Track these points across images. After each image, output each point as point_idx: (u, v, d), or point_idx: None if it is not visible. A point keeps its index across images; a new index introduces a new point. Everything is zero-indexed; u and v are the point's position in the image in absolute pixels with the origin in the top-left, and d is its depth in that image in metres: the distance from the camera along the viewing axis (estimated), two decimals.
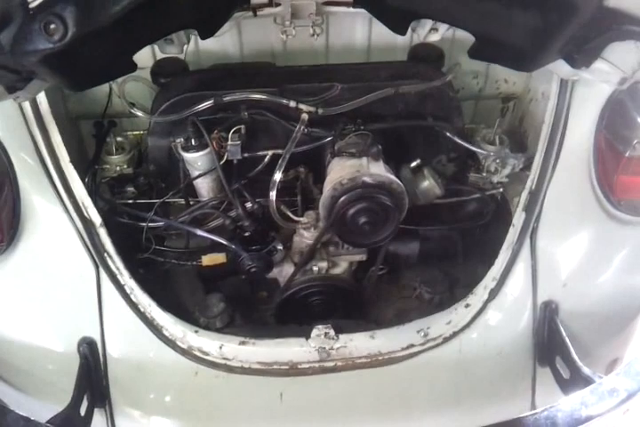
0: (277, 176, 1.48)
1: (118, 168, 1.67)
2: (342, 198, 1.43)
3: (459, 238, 1.75)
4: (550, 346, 1.53)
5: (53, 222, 1.48)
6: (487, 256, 1.66)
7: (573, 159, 1.51)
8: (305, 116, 1.49)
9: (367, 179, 1.42)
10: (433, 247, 1.73)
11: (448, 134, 1.59)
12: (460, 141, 1.60)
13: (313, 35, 1.55)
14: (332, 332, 1.47)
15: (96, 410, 1.46)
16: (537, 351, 1.55)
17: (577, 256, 1.54)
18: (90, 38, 1.03)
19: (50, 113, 1.47)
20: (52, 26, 0.98)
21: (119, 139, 1.70)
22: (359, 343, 1.47)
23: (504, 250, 1.53)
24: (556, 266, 1.54)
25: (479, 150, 1.64)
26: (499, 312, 1.53)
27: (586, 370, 1.40)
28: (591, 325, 1.56)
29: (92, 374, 1.46)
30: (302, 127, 1.49)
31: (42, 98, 1.46)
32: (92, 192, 1.58)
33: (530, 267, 1.53)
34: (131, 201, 1.67)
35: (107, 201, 1.62)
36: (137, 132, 1.81)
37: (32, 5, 1.04)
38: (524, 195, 1.53)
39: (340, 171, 1.46)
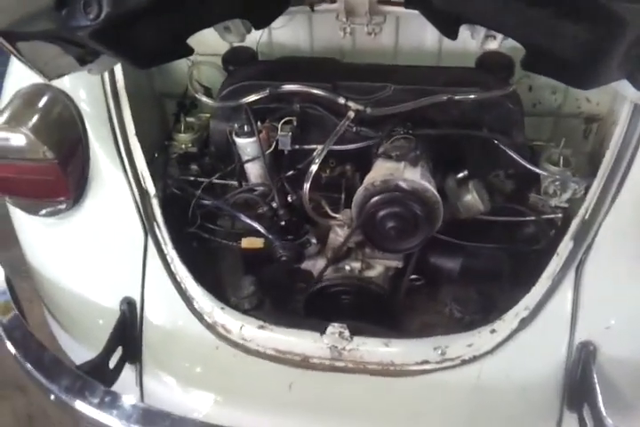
0: (313, 168, 1.49)
1: (184, 146, 1.78)
2: (372, 200, 1.41)
3: (507, 260, 1.64)
4: (581, 391, 1.39)
5: (114, 188, 1.61)
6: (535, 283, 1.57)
7: (638, 192, 1.36)
8: (351, 114, 1.49)
9: (400, 183, 1.39)
10: (477, 265, 1.63)
11: (503, 148, 1.50)
12: (515, 157, 1.49)
13: (370, 33, 1.53)
14: (346, 332, 1.45)
15: (126, 366, 1.58)
16: (567, 394, 1.42)
17: (627, 298, 1.38)
18: (126, 19, 1.12)
19: (124, 89, 1.60)
20: (90, 5, 1.08)
21: (189, 119, 1.81)
22: (372, 349, 1.44)
23: (544, 279, 1.42)
24: (601, 305, 1.39)
25: (536, 169, 1.52)
26: (527, 345, 1.41)
27: (609, 424, 1.26)
28: (630, 376, 1.39)
29: (128, 331, 1.56)
30: (347, 124, 1.48)
31: (119, 74, 1.59)
32: (161, 165, 1.72)
33: (571, 301, 1.40)
34: (192, 178, 1.78)
35: (168, 176, 1.73)
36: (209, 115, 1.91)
37: None
38: (575, 223, 1.40)
39: (376, 172, 1.45)
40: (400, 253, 1.52)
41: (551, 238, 1.60)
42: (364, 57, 1.76)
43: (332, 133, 1.49)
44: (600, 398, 1.32)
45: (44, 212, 1.64)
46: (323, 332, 1.46)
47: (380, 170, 1.44)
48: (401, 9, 1.39)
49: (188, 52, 1.37)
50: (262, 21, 1.36)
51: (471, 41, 1.51)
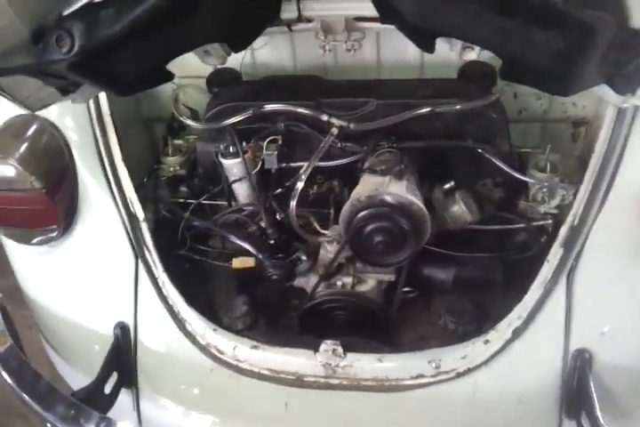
0: (299, 185, 1.50)
1: (172, 169, 1.79)
2: (359, 215, 1.40)
3: (499, 269, 1.63)
4: (579, 399, 1.38)
5: (104, 214, 1.62)
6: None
7: (625, 196, 1.35)
8: (334, 130, 1.50)
9: (386, 198, 1.39)
10: (470, 275, 1.62)
11: (488, 157, 1.49)
12: (500, 165, 1.49)
13: (349, 50, 1.54)
14: (339, 349, 1.44)
15: (123, 391, 1.58)
16: (565, 402, 1.40)
17: (621, 303, 1.37)
18: (100, 50, 1.13)
19: (109, 115, 1.61)
20: (62, 39, 1.09)
21: (177, 141, 1.82)
22: (366, 365, 1.43)
23: (535, 287, 1.41)
24: (594, 311, 1.39)
25: (522, 177, 1.52)
26: (522, 354, 1.40)
27: None
28: (628, 382, 1.38)
29: (122, 356, 1.57)
30: (331, 140, 1.49)
31: (103, 100, 1.61)
32: (151, 189, 1.73)
33: (564, 309, 1.39)
34: (182, 200, 1.79)
35: (157, 198, 1.74)
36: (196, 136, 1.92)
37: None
38: (564, 229, 1.40)
39: (362, 187, 1.45)
40: (389, 266, 1.51)
41: (543, 245, 1.59)
42: (346, 73, 1.77)
43: (317, 150, 1.49)
44: (597, 405, 1.30)
45: (35, 241, 1.65)
46: (316, 349, 1.45)
47: (366, 185, 1.44)
48: (378, 24, 1.40)
49: (169, 77, 1.38)
50: (240, 44, 1.37)
51: (451, 52, 1.52)
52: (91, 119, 1.62)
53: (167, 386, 1.59)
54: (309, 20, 1.43)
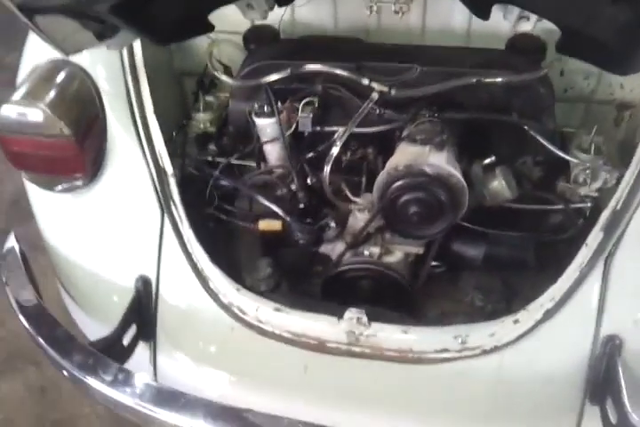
0: (334, 151, 1.45)
1: (202, 126, 1.75)
2: (395, 185, 1.37)
3: (532, 249, 1.59)
4: (604, 385, 1.35)
5: (132, 166, 1.58)
6: (561, 273, 1.52)
7: None
8: (375, 95, 1.44)
9: (424, 168, 1.34)
10: (501, 254, 1.58)
11: (533, 134, 1.44)
12: (545, 143, 1.44)
13: (397, 12, 1.47)
14: (364, 318, 1.41)
15: (140, 345, 1.57)
16: (589, 387, 1.38)
17: None
18: None
19: (143, 65, 1.56)
20: None
21: (209, 98, 1.77)
22: (390, 335, 1.40)
23: (571, 270, 1.36)
24: (629, 298, 1.35)
25: (566, 156, 1.46)
26: (551, 336, 1.37)
27: (634, 418, 1.22)
28: None
29: (142, 309, 1.55)
30: (371, 106, 1.44)
31: (138, 50, 1.55)
32: (179, 144, 1.69)
33: (598, 294, 1.35)
34: (210, 158, 1.75)
35: (185, 155, 1.71)
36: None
37: None
38: (606, 213, 1.35)
39: (399, 156, 1.40)
40: (422, 239, 1.48)
41: (579, 228, 1.55)
42: (389, 37, 1.71)
43: (355, 116, 1.45)
44: (625, 392, 1.28)
45: (60, 188, 1.62)
46: (340, 317, 1.43)
47: (404, 154, 1.39)
48: None
49: (209, 28, 1.33)
50: None
51: (502, 22, 1.45)
52: (123, 68, 1.58)
53: (186, 342, 1.58)
54: None
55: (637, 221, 1.33)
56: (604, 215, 1.36)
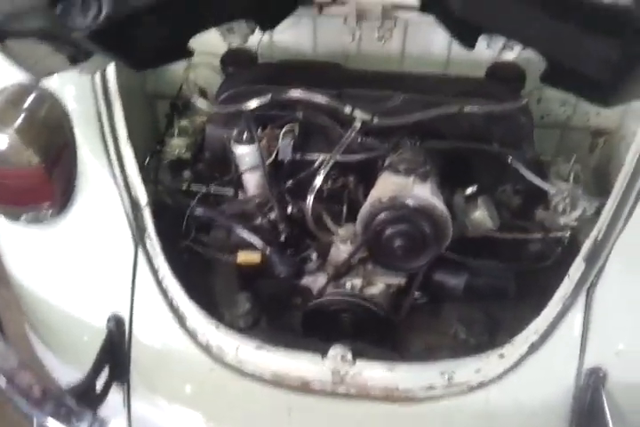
0: (318, 180, 1.42)
1: (177, 151, 1.69)
2: (379, 217, 1.34)
3: (512, 279, 1.58)
4: (590, 417, 1.34)
5: (103, 196, 1.52)
6: (541, 305, 1.51)
7: None
8: (357, 125, 1.42)
9: (408, 200, 1.32)
10: (482, 284, 1.56)
11: (514, 164, 1.44)
12: (526, 173, 1.44)
13: (380, 39, 1.46)
14: (349, 355, 1.37)
15: (113, 388, 1.49)
16: (575, 419, 1.36)
17: (638, 321, 1.34)
18: (127, 20, 1.03)
19: (116, 89, 1.51)
20: (88, 5, 0.99)
21: (183, 123, 1.72)
22: (376, 374, 1.37)
23: (555, 302, 1.36)
24: (611, 329, 1.35)
25: (545, 185, 1.47)
26: (536, 370, 1.36)
27: None
28: None
29: (115, 350, 1.48)
30: (353, 135, 1.42)
31: (110, 73, 1.50)
32: (151, 172, 1.63)
33: (581, 325, 1.34)
34: (185, 186, 1.69)
35: (158, 183, 1.65)
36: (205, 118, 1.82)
37: None
38: (588, 244, 1.35)
39: (382, 187, 1.38)
40: (406, 271, 1.45)
41: (558, 256, 1.56)
42: (368, 62, 1.70)
43: (338, 145, 1.42)
44: (611, 424, 1.28)
45: (26, 218, 1.54)
46: (324, 354, 1.38)
47: (388, 185, 1.37)
48: (414, 14, 1.32)
49: (189, 53, 1.28)
50: (270, 22, 1.28)
51: (481, 49, 1.45)
52: (94, 92, 1.52)
53: (161, 384, 1.51)
54: (343, 3, 1.35)
55: (618, 251, 1.34)
56: (586, 246, 1.37)
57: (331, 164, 1.42)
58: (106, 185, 1.51)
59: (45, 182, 1.46)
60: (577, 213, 1.49)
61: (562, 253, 1.55)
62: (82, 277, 1.53)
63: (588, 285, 1.35)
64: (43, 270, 1.56)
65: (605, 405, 1.30)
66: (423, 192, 1.33)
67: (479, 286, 1.57)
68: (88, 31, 1.03)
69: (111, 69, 1.50)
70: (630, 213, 1.32)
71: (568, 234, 1.53)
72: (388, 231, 1.34)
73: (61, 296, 1.54)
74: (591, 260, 1.35)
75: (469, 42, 1.20)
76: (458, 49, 1.64)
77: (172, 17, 1.09)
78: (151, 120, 1.85)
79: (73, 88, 1.51)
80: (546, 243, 1.56)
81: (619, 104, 1.16)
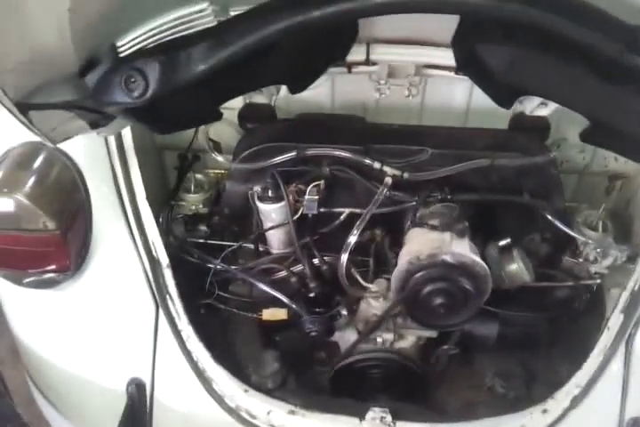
0: (353, 239, 1.38)
1: (194, 207, 1.64)
2: (418, 275, 1.31)
3: (543, 328, 1.57)
4: None
5: (121, 257, 1.46)
6: (573, 353, 1.50)
7: None
8: (389, 180, 1.40)
9: (448, 258, 1.30)
10: (514, 333, 1.54)
11: (546, 215, 1.44)
12: (559, 224, 1.44)
13: (408, 95, 1.45)
14: (388, 417, 1.33)
15: None
16: None
17: None
18: (171, 95, 0.99)
19: (132, 147, 1.46)
20: (133, 81, 0.95)
21: (199, 176, 1.67)
22: None
23: (595, 355, 1.35)
24: None
25: (579, 236, 1.47)
26: (578, 424, 1.34)
27: None
28: None
29: (137, 418, 1.41)
30: (384, 190, 1.39)
31: (127, 130, 1.44)
32: (165, 228, 1.57)
33: (622, 376, 1.34)
34: (202, 240, 1.63)
35: (178, 239, 1.59)
36: (218, 171, 1.77)
37: (121, 55, 1.02)
38: (625, 295, 1.35)
39: (419, 243, 1.35)
40: (445, 329, 1.42)
41: (586, 304, 1.55)
42: (388, 115, 1.67)
43: (373, 201, 1.39)
44: None
45: (36, 282, 1.46)
46: (362, 417, 1.34)
47: (424, 242, 1.34)
48: (448, 73, 1.31)
49: (219, 117, 1.25)
50: (300, 86, 1.25)
51: None
52: (108, 150, 1.46)
53: None
54: (374, 64, 1.33)
55: None
56: (624, 297, 1.36)
57: (366, 220, 1.38)
58: (124, 246, 1.45)
59: (61, 247, 1.39)
60: (608, 262, 1.48)
61: (590, 301, 1.55)
62: (99, 340, 1.46)
63: (626, 336, 1.34)
64: (57, 336, 1.49)
65: None
66: (462, 249, 1.31)
67: (511, 336, 1.55)
68: (131, 106, 0.98)
69: (127, 128, 1.44)
70: None
71: (599, 281, 1.53)
72: (428, 289, 1.31)
73: (78, 362, 1.47)
74: (629, 311, 1.34)
75: (507, 103, 1.20)
76: (478, 100, 1.64)
77: (211, 88, 1.05)
78: (160, 172, 1.79)
79: (85, 146, 1.44)
80: (574, 290, 1.55)
81: None
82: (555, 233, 1.51)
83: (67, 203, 1.42)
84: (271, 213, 1.46)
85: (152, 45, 0.97)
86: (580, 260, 1.52)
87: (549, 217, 1.44)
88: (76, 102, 1.06)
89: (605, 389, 1.34)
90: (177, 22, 1.02)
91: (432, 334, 1.51)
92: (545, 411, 1.34)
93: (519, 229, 1.50)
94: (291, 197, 1.45)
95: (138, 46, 1.03)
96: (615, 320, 1.35)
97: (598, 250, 1.48)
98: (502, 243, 1.42)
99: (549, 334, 1.58)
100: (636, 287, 1.35)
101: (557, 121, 1.59)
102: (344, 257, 1.38)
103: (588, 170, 1.77)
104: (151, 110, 1.03)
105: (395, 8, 0.87)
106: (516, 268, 1.41)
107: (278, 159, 1.44)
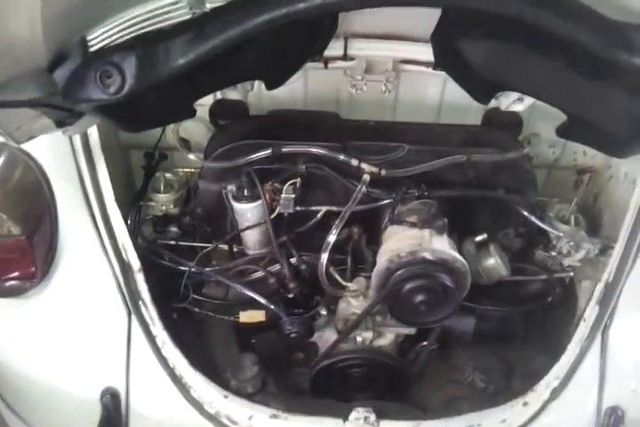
0: (332, 238, 1.36)
1: (164, 207, 1.59)
2: (398, 273, 1.30)
3: (519, 321, 1.59)
4: None
5: (90, 262, 1.40)
6: (547, 344, 1.53)
7: None
8: (367, 177, 1.38)
9: (428, 255, 1.29)
10: (490, 327, 1.56)
11: (520, 209, 1.45)
12: (533, 219, 1.45)
13: (385, 91, 1.43)
14: (372, 416, 1.33)
15: None
16: None
17: None
18: (148, 90, 0.94)
19: (99, 146, 1.39)
20: (109, 76, 0.90)
21: (168, 175, 1.62)
22: None
23: (572, 346, 1.37)
24: (626, 368, 1.37)
25: (552, 230, 1.49)
26: (558, 415, 1.36)
27: None
28: None
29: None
30: (359, 186, 1.38)
31: (93, 129, 1.38)
32: (134, 229, 1.51)
33: (598, 367, 1.36)
34: (173, 242, 1.59)
35: (148, 241, 1.54)
36: (187, 170, 1.72)
37: (91, 49, 0.97)
38: (600, 287, 1.37)
39: (398, 241, 1.34)
40: (426, 326, 1.42)
41: (559, 296, 1.58)
42: (362, 111, 1.66)
43: (351, 199, 1.37)
44: None
45: (1, 290, 1.39)
46: (346, 418, 1.33)
47: (403, 239, 1.33)
48: (424, 68, 1.30)
49: (193, 114, 1.21)
50: (276, 82, 1.22)
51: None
52: (73, 149, 1.39)
53: None
54: (352, 59, 1.31)
55: (627, 292, 1.36)
56: (599, 289, 1.38)
57: (345, 218, 1.36)
58: (92, 250, 1.39)
59: (27, 253, 1.33)
60: (581, 255, 1.51)
61: (562, 293, 1.58)
62: (70, 350, 1.40)
63: (602, 327, 1.37)
64: (24, 346, 1.41)
65: None
66: (442, 245, 1.31)
67: (487, 330, 1.57)
68: (107, 103, 0.93)
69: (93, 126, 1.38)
70: (637, 256, 1.35)
71: (572, 274, 1.55)
72: (409, 287, 1.30)
73: (47, 372, 1.40)
74: (604, 302, 1.37)
75: (485, 98, 1.20)
76: (449, 97, 1.65)
77: (189, 83, 1.02)
78: (125, 171, 1.72)
79: (49, 146, 1.38)
80: (547, 284, 1.57)
81: (632, 155, 1.19)
82: (528, 228, 1.53)
83: (31, 206, 1.36)
84: (247, 212, 1.43)
85: (127, 38, 0.92)
86: (553, 253, 1.55)
87: (524, 212, 1.46)
88: (45, 100, 1.00)
89: (583, 379, 1.36)
90: (151, 15, 0.98)
91: (411, 331, 1.51)
92: (525, 404, 1.36)
93: (493, 224, 1.51)
94: (267, 196, 1.42)
95: (109, 40, 0.99)
96: (590, 312, 1.37)
97: (571, 243, 1.50)
98: (479, 238, 1.43)
99: (524, 328, 1.61)
100: (610, 279, 1.37)
101: (529, 116, 1.61)
102: (324, 256, 1.36)
103: (558, 164, 1.80)
104: (125, 107, 0.98)
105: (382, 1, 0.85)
106: (494, 263, 1.42)
107: (253, 157, 1.40)
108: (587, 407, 1.36)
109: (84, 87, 0.92)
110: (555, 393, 1.35)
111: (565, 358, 1.37)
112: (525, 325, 1.61)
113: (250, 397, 1.42)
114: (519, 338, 1.59)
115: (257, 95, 1.61)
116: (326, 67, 1.34)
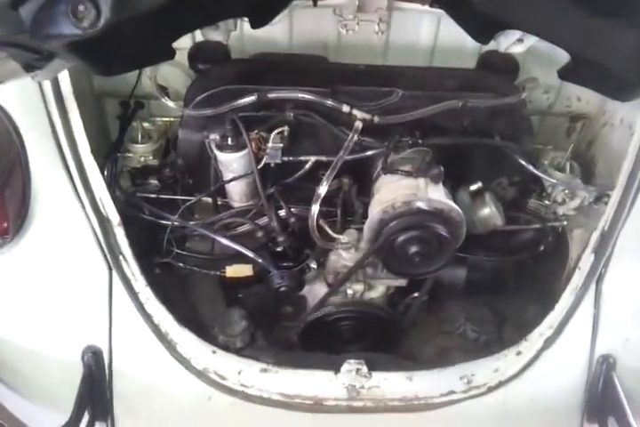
0: (323, 189, 1.30)
1: (143, 158, 1.51)
2: (392, 224, 1.25)
3: (510, 271, 1.57)
4: (604, 404, 1.37)
5: (66, 216, 1.33)
6: (539, 293, 1.52)
7: None
8: (359, 125, 1.31)
9: (424, 205, 1.24)
10: (481, 278, 1.54)
11: (517, 157, 1.40)
12: (529, 167, 1.41)
13: (377, 32, 1.35)
14: (364, 368, 1.31)
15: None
16: (587, 407, 1.39)
17: None
18: (126, 25, 0.85)
19: (72, 93, 1.29)
20: (82, 9, 0.80)
21: (146, 125, 1.53)
22: (394, 385, 1.31)
23: (566, 295, 1.36)
24: (619, 317, 1.37)
25: (548, 178, 1.45)
26: (551, 363, 1.36)
27: None
28: None
29: (96, 387, 1.33)
30: (351, 134, 1.31)
31: (64, 75, 1.27)
32: (111, 182, 1.43)
33: (592, 316, 1.36)
34: (153, 195, 1.51)
35: (127, 194, 1.46)
36: (166, 119, 1.62)
37: None
38: (595, 236, 1.35)
39: (392, 191, 1.29)
40: (420, 277, 1.38)
41: (551, 244, 1.56)
42: (350, 54, 1.57)
43: (343, 149, 1.30)
44: (628, 410, 1.30)
45: None
46: (337, 370, 1.31)
47: (397, 189, 1.28)
48: (420, 6, 1.21)
49: (172, 55, 1.11)
50: (264, 21, 1.12)
51: (467, 39, 1.37)
52: (44, 97, 1.29)
53: (151, 419, 1.38)
54: None
55: (622, 241, 1.34)
56: (594, 237, 1.36)
57: (337, 168, 1.30)
58: (68, 203, 1.32)
59: None
60: (576, 203, 1.48)
61: (554, 242, 1.56)
62: (48, 309, 1.35)
63: (596, 276, 1.35)
64: (1, 306, 1.35)
65: (619, 388, 1.33)
66: (438, 195, 1.25)
67: (478, 281, 1.54)
68: (80, 39, 0.84)
69: (64, 71, 1.27)
70: (633, 204, 1.32)
71: (565, 223, 1.52)
72: (403, 238, 1.25)
73: (26, 332, 1.35)
74: (599, 251, 1.35)
75: (485, 38, 1.13)
76: (443, 39, 1.56)
77: (169, 19, 0.92)
78: (99, 121, 1.62)
79: (18, 94, 1.29)
80: (539, 233, 1.55)
81: (634, 99, 1.14)
82: (523, 176, 1.49)
83: (1, 159, 1.28)
84: (232, 162, 1.35)
85: None
86: (548, 202, 1.51)
87: (520, 160, 1.41)
88: (10, 39, 0.90)
89: (577, 328, 1.36)
90: None
91: (402, 282, 1.48)
92: (519, 353, 1.35)
93: (487, 172, 1.47)
94: (253, 146, 1.34)
95: None
96: (586, 260, 1.36)
97: (566, 191, 1.47)
98: (474, 187, 1.38)
99: (515, 277, 1.59)
100: (606, 227, 1.35)
101: (523, 61, 1.54)
102: (315, 208, 1.30)
103: (552, 110, 1.75)
104: (100, 46, 0.89)
105: None
106: (489, 212, 1.38)
107: (237, 103, 1.32)
108: (579, 356, 1.37)
109: (55, 21, 0.82)
110: (548, 342, 1.35)
111: (559, 307, 1.36)
112: (516, 275, 1.59)
113: (238, 351, 1.38)
114: (510, 288, 1.57)
115: (238, 37, 1.50)
116: (315, 4, 1.24)
